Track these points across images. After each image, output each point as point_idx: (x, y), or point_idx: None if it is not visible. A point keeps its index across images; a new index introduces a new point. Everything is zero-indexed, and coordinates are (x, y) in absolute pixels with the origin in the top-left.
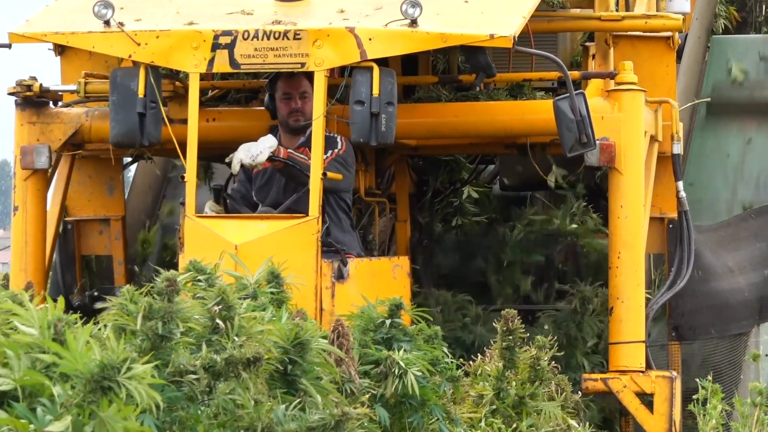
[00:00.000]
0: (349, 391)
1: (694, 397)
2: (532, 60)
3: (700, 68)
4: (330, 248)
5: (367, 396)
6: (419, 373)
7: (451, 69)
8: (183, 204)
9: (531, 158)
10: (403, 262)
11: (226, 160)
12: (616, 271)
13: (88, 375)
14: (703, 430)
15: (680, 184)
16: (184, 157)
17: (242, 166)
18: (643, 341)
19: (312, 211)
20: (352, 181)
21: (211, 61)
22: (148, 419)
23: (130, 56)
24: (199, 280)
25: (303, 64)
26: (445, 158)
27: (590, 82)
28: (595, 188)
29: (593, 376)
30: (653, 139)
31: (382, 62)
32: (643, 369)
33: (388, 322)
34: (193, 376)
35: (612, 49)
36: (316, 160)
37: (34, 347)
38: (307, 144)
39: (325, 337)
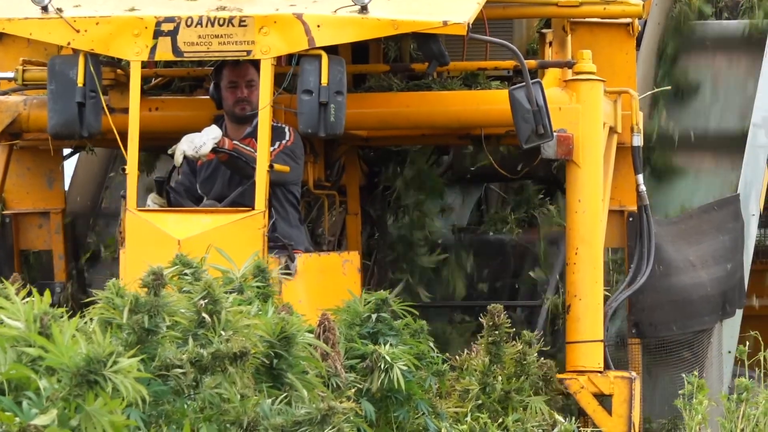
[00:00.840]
0: (335, 386)
1: (680, 392)
2: (486, 48)
3: (659, 56)
4: (277, 243)
5: (353, 390)
6: (405, 368)
7: (403, 57)
8: (124, 197)
9: (485, 150)
10: (353, 257)
11: (169, 151)
12: (573, 267)
13: (74, 369)
14: (689, 425)
15: (640, 177)
16: (125, 149)
17: (186, 158)
18: (602, 340)
19: (258, 204)
20: (300, 173)
21: (153, 49)
22: (134, 413)
23: (68, 44)
24: (185, 274)
25: (249, 52)
26: (397, 149)
27: (547, 71)
28: (553, 180)
29: (560, 376)
30: (612, 130)
31: (331, 50)
32: (602, 369)
33: (374, 316)
34: (180, 371)
35: (570, 36)
36: (263, 152)
37: (20, 340)
38: (254, 135)
39: (311, 332)
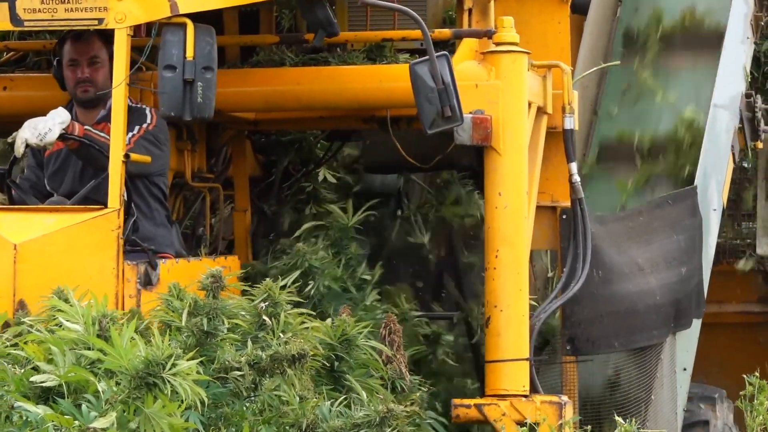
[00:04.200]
0: (399, 389)
1: (741, 393)
2: (395, 16)
3: (610, 26)
4: (136, 247)
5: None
6: None
7: (299, 27)
8: None
9: (392, 135)
10: (231, 263)
11: (9, 139)
12: (493, 272)
13: (133, 371)
14: (750, 426)
15: (573, 166)
16: None
17: (29, 147)
18: (527, 359)
19: (112, 201)
20: (166, 162)
21: None
22: (193, 416)
23: None
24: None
25: (101, 21)
26: (295, 135)
27: (462, 42)
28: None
29: (465, 401)
30: (541, 111)
31: (199, 18)
32: (527, 393)
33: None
34: (238, 373)
35: (492, 2)
36: (117, 139)
37: (78, 343)
38: (109, 118)
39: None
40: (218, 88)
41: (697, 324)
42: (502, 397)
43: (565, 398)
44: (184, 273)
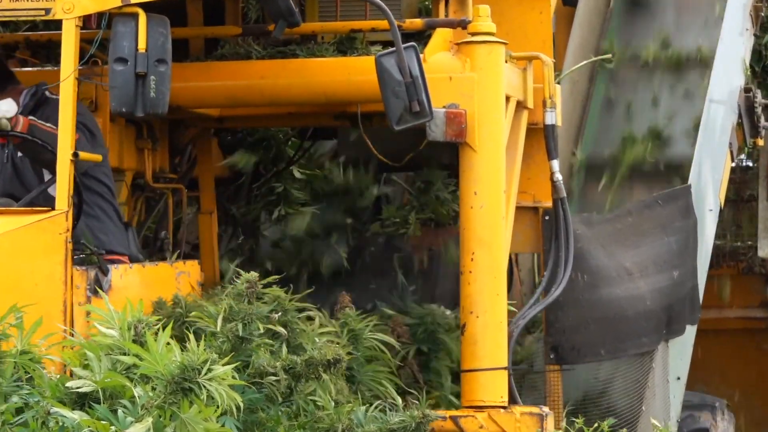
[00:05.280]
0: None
1: None
2: (366, 6)
3: (603, 18)
4: (85, 251)
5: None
6: None
7: (266, 18)
8: None
9: (362, 132)
10: (190, 268)
11: None
12: (468, 277)
13: (169, 376)
14: None
15: (555, 164)
16: None
17: None
18: (506, 368)
19: (60, 203)
20: (103, 151)
21: None
22: (229, 421)
23: None
24: None
25: (48, 10)
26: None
27: (436, 32)
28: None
29: (441, 412)
30: (520, 105)
31: (160, 9)
32: (505, 404)
33: None
34: (274, 378)
35: None
36: (65, 136)
37: (114, 349)
38: (38, 112)
39: None
40: (179, 82)
41: (691, 330)
42: (480, 408)
43: (546, 409)
44: (140, 279)
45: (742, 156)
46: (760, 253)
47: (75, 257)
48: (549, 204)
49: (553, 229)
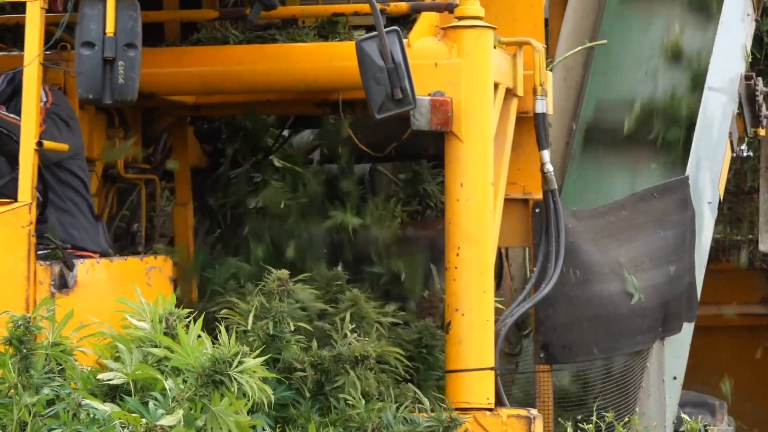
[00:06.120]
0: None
1: None
2: None
3: (599, 2)
4: (49, 245)
5: None
6: None
7: (245, 2)
8: None
9: (343, 120)
10: (162, 263)
11: None
12: (454, 272)
13: (200, 369)
14: None
15: (546, 154)
16: None
17: None
18: (492, 368)
19: (23, 194)
20: (79, 143)
21: None
22: (261, 418)
23: None
24: None
25: None
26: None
27: (421, 16)
28: None
29: (423, 415)
30: (510, 93)
31: None
32: (492, 406)
33: None
34: (302, 373)
35: None
36: (28, 124)
37: (145, 341)
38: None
39: None
40: (152, 68)
41: (689, 328)
42: (465, 410)
43: (534, 412)
44: (108, 274)
45: (743, 146)
46: (761, 247)
47: (39, 252)
48: (539, 196)
49: (543, 222)
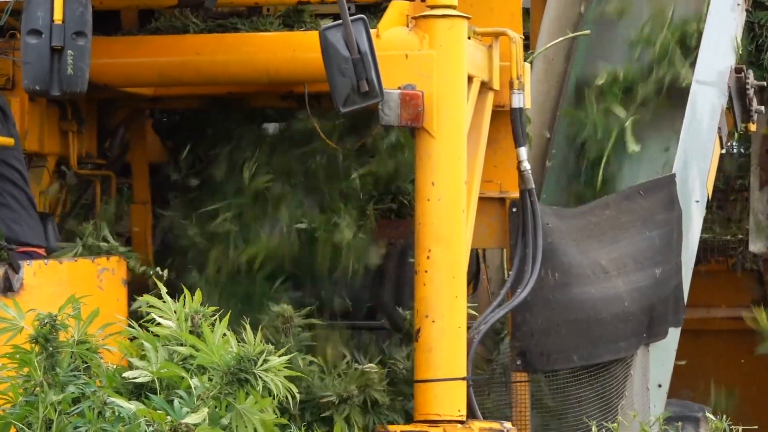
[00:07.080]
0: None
1: None
2: None
3: None
4: None
5: None
6: None
7: None
8: None
9: (310, 114)
10: (115, 264)
11: None
12: (424, 276)
13: (225, 367)
14: None
15: (523, 151)
16: None
17: None
18: (464, 378)
19: None
20: (15, 135)
21: None
22: None
23: None
24: None
25: None
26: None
27: (391, 4)
28: None
29: (391, 427)
30: (485, 86)
31: None
32: (463, 418)
33: None
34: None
35: None
36: None
37: (171, 339)
38: None
39: None
40: (106, 58)
41: (675, 333)
42: (434, 423)
43: (508, 425)
44: (58, 276)
45: (733, 142)
46: (752, 248)
47: None
48: (517, 194)
49: (520, 222)
